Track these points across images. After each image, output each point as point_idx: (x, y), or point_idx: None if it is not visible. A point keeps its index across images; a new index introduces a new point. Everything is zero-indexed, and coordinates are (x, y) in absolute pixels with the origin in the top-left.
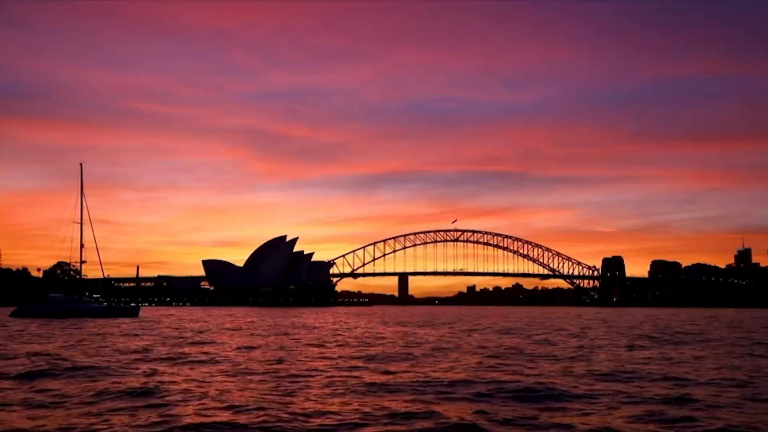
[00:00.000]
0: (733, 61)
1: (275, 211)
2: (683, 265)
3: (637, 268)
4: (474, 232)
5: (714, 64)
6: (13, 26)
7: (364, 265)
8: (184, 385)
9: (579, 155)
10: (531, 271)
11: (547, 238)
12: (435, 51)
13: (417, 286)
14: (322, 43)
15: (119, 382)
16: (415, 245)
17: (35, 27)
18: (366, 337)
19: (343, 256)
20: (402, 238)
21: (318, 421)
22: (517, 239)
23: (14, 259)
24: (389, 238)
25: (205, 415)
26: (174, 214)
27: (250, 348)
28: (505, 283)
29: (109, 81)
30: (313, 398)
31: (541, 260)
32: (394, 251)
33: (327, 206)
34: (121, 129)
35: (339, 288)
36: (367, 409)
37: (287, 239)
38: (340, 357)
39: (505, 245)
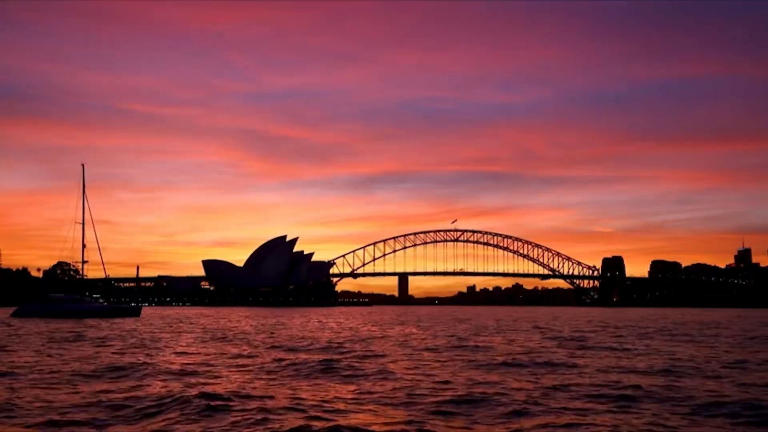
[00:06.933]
0: (732, 61)
1: (273, 212)
2: (683, 265)
3: (636, 268)
4: (474, 232)
5: (712, 64)
6: (11, 27)
7: (364, 265)
8: None
9: (576, 155)
10: (531, 271)
11: (544, 238)
12: (430, 52)
13: (417, 286)
14: (317, 44)
15: None
16: (414, 245)
17: (33, 28)
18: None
19: (343, 256)
20: (402, 238)
21: None
22: (517, 239)
23: (14, 259)
24: (389, 238)
25: None
26: (172, 214)
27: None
28: (505, 283)
29: (105, 82)
30: None
31: (541, 260)
32: (394, 251)
33: (324, 206)
34: (118, 130)
35: (339, 288)
36: None
37: (287, 239)
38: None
39: (505, 245)
